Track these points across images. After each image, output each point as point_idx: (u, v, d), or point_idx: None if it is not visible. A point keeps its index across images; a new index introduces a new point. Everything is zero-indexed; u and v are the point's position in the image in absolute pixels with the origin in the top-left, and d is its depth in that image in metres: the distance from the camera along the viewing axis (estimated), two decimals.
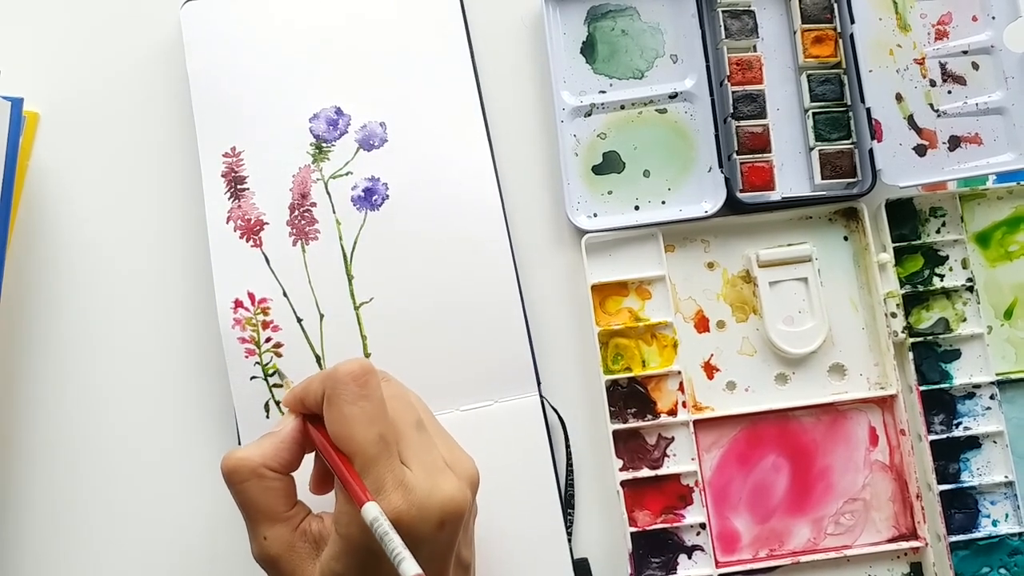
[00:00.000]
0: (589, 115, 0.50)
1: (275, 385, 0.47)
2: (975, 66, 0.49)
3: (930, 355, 0.48)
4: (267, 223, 0.48)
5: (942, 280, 0.49)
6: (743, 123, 0.49)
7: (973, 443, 0.48)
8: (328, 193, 0.49)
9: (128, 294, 0.50)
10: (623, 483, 0.47)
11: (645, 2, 0.50)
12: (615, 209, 0.49)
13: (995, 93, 0.48)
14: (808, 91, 0.49)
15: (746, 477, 0.48)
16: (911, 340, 0.48)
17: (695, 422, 0.48)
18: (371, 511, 0.34)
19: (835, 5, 0.49)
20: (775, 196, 0.49)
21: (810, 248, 0.49)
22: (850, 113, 0.49)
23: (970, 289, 0.49)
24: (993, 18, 0.49)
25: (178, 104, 0.50)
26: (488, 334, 0.47)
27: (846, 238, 0.49)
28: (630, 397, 0.48)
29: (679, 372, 0.48)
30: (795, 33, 0.49)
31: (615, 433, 0.47)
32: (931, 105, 0.48)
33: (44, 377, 0.49)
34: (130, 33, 0.52)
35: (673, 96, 0.50)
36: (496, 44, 0.51)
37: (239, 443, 0.47)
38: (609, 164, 0.50)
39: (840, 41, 0.49)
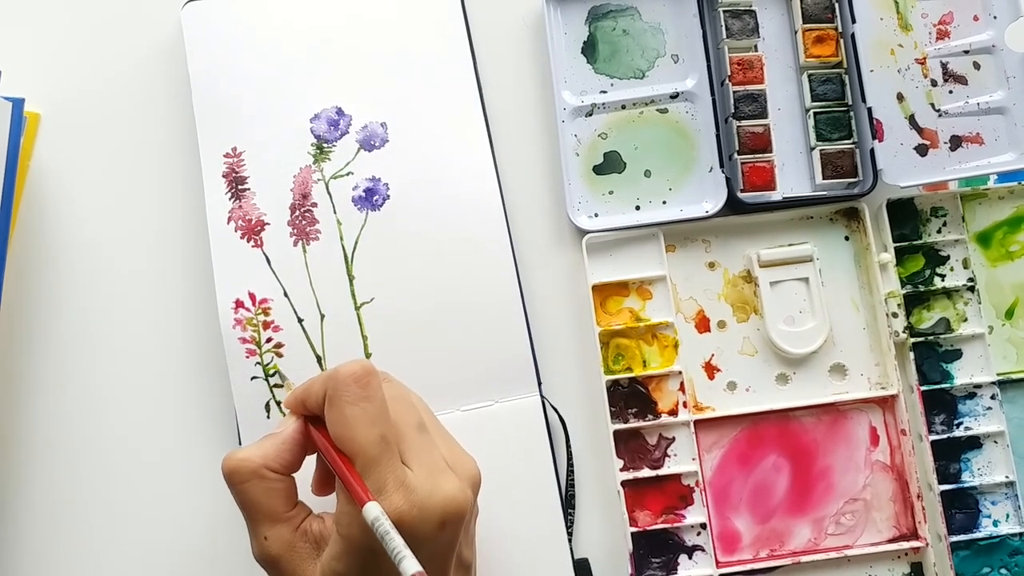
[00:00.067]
0: (590, 115, 0.50)
1: (276, 386, 0.47)
2: (976, 66, 0.49)
3: (931, 355, 0.48)
4: (268, 223, 0.48)
5: (943, 280, 0.49)
6: (744, 123, 0.48)
7: (974, 443, 0.48)
8: (329, 193, 0.49)
9: (128, 294, 0.50)
10: (624, 483, 0.47)
11: (646, 2, 0.50)
12: (616, 209, 0.49)
13: (996, 93, 0.48)
14: (809, 91, 0.49)
15: (747, 477, 0.48)
16: (912, 340, 0.48)
17: (696, 422, 0.48)
18: (372, 511, 0.34)
19: (836, 5, 0.49)
20: (776, 196, 0.49)
21: (811, 248, 0.49)
22: (851, 113, 0.49)
23: (971, 289, 0.49)
24: (994, 18, 0.49)
25: (179, 104, 0.50)
26: (489, 334, 0.47)
27: (847, 238, 0.49)
28: (631, 397, 0.48)
29: (680, 372, 0.48)
30: (796, 33, 0.49)
31: (616, 433, 0.47)
32: (932, 105, 0.48)
33: (44, 377, 0.49)
34: (131, 33, 0.52)
35: (674, 96, 0.50)
36: (497, 44, 0.51)
37: (240, 443, 0.47)
38: (610, 164, 0.49)
39: (841, 41, 0.49)
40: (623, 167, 0.49)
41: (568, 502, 0.47)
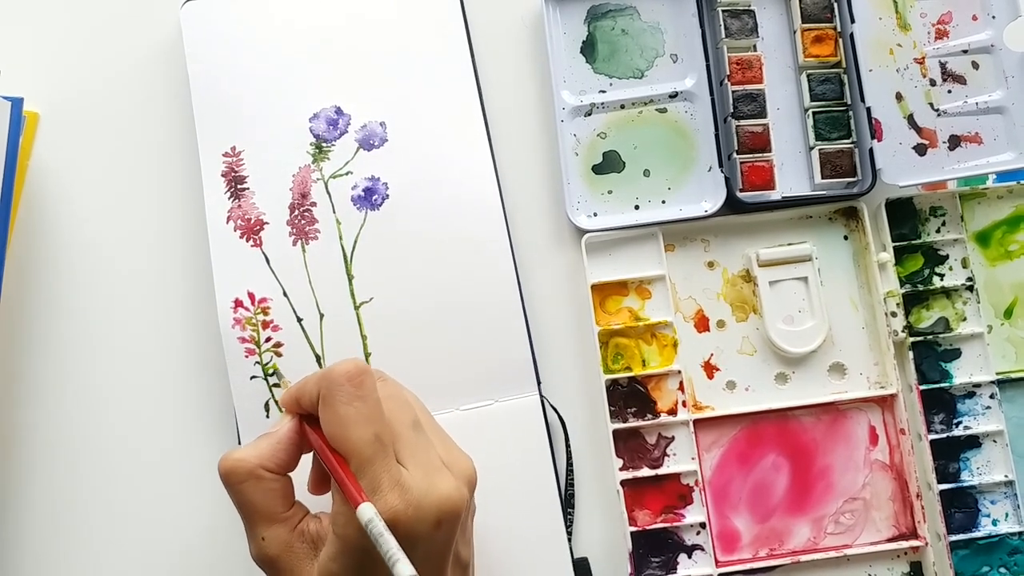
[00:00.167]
0: (589, 115, 0.50)
1: (274, 385, 0.47)
2: (975, 65, 0.49)
3: (930, 354, 0.48)
4: (267, 223, 0.48)
5: (942, 279, 0.49)
6: (743, 122, 0.49)
7: (973, 442, 0.48)
8: (328, 193, 0.49)
9: (128, 294, 0.50)
10: (623, 482, 0.47)
11: (645, 1, 0.50)
12: (615, 208, 0.49)
13: (995, 92, 0.48)
14: (808, 90, 0.49)
15: (746, 476, 0.48)
16: (911, 339, 0.48)
17: (695, 421, 0.48)
18: (366, 512, 0.34)
19: (835, 4, 0.49)
20: (775, 195, 0.49)
21: (810, 247, 0.49)
22: (850, 112, 0.49)
23: (970, 288, 0.49)
24: (993, 17, 0.49)
25: (178, 104, 0.50)
26: (488, 334, 0.47)
27: (846, 237, 0.49)
28: (630, 396, 0.48)
29: (679, 371, 0.48)
30: (795, 32, 0.49)
31: (615, 432, 0.47)
32: (931, 104, 0.49)
33: (44, 377, 0.49)
34: (130, 33, 0.52)
35: (673, 95, 0.50)
36: (496, 44, 0.51)
37: (239, 443, 0.47)
38: (609, 163, 0.50)
39: (840, 40, 0.49)
40: (622, 167, 0.50)
41: (567, 501, 0.47)
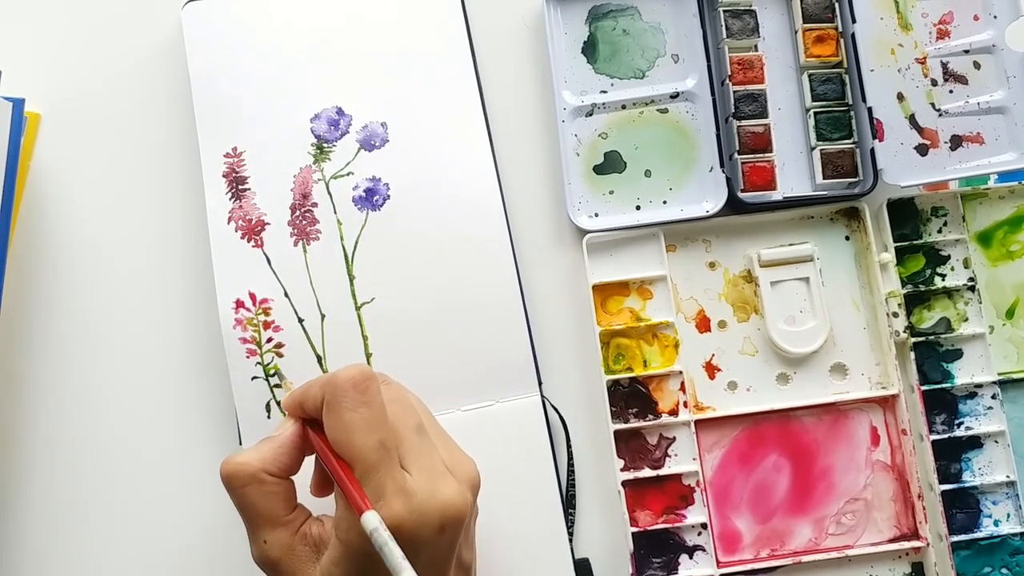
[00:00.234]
0: (590, 115, 0.50)
1: (275, 386, 0.47)
2: (977, 65, 0.49)
3: (932, 355, 0.48)
4: (268, 223, 0.48)
5: (944, 280, 0.49)
6: (744, 123, 0.48)
7: (975, 443, 0.48)
8: (329, 193, 0.49)
9: (128, 294, 0.50)
10: (624, 483, 0.47)
11: (646, 2, 0.50)
12: (616, 209, 0.49)
13: (997, 92, 0.48)
14: (809, 90, 0.49)
15: (747, 477, 0.48)
16: (913, 340, 0.48)
17: (696, 422, 0.48)
18: (371, 520, 0.34)
19: (836, 4, 0.49)
20: (776, 196, 0.49)
21: (811, 248, 0.49)
22: (851, 112, 0.49)
23: (972, 289, 0.49)
24: (995, 17, 0.49)
25: (179, 104, 0.50)
26: (489, 334, 0.47)
27: (847, 238, 0.49)
28: (631, 397, 0.48)
29: (680, 372, 0.48)
30: (796, 32, 0.49)
31: (616, 433, 0.47)
32: (933, 104, 0.48)
33: (44, 377, 0.49)
34: (131, 33, 0.52)
35: (674, 96, 0.50)
36: (497, 44, 0.51)
37: (240, 443, 0.47)
38: (610, 164, 0.49)
39: (841, 40, 0.49)
40: (623, 167, 0.49)
41: (569, 502, 0.47)
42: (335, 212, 0.48)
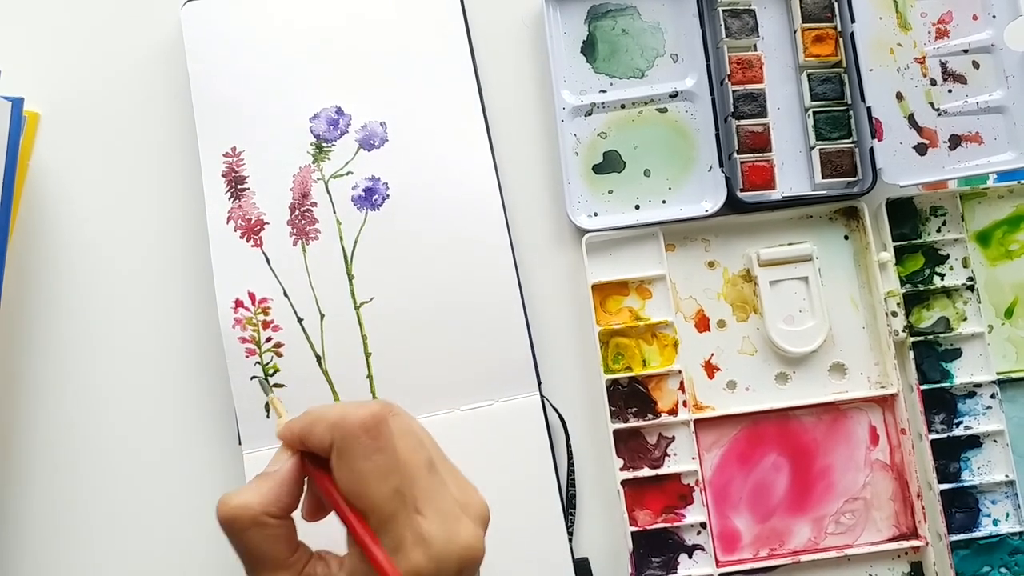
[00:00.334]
0: (589, 114, 0.50)
1: (273, 384, 0.47)
2: (975, 65, 0.49)
3: (931, 354, 0.48)
4: (267, 223, 0.48)
5: (943, 279, 0.49)
6: (743, 122, 0.49)
7: (974, 442, 0.48)
8: (328, 193, 0.49)
9: (128, 294, 0.50)
10: (624, 482, 0.47)
11: (646, 1, 0.50)
12: (616, 208, 0.49)
13: (996, 92, 0.48)
14: (809, 90, 0.49)
15: (747, 476, 0.48)
16: (912, 339, 0.48)
17: (695, 421, 0.48)
18: None
19: (835, 4, 0.49)
20: (776, 195, 0.49)
21: (811, 247, 0.49)
22: (850, 112, 0.49)
23: (971, 288, 0.49)
24: (994, 17, 0.49)
25: (178, 104, 0.50)
26: (489, 334, 0.47)
27: (847, 237, 0.49)
28: (631, 396, 0.48)
29: (680, 371, 0.48)
30: (795, 32, 0.49)
31: (616, 432, 0.47)
32: (931, 104, 0.48)
33: (44, 377, 0.49)
34: (130, 33, 0.52)
35: (674, 95, 0.50)
36: (496, 44, 0.51)
37: (240, 443, 0.47)
38: (610, 163, 0.50)
39: (840, 40, 0.49)
40: (623, 166, 0.49)
41: (569, 501, 0.47)
42: (334, 212, 0.48)
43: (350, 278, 0.48)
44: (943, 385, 0.48)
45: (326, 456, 0.35)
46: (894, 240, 0.49)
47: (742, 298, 0.49)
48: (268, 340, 0.47)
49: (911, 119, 0.48)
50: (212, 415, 0.49)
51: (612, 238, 0.49)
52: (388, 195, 0.48)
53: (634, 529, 0.47)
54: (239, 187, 0.49)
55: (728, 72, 0.49)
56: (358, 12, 0.50)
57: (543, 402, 0.48)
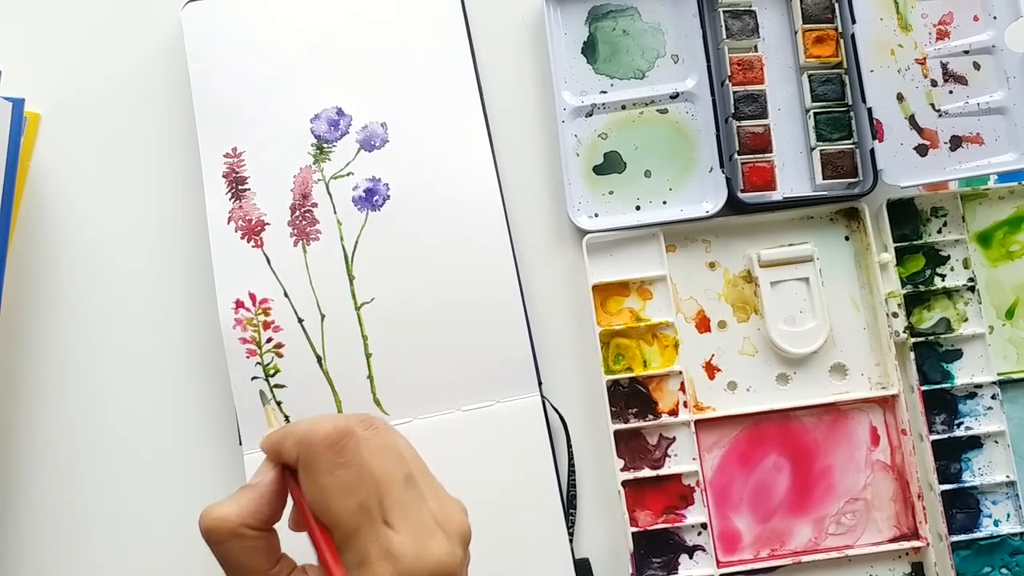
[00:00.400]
0: (590, 115, 0.50)
1: (275, 386, 0.47)
2: (976, 66, 0.49)
3: (931, 355, 0.48)
4: (268, 223, 0.48)
5: (943, 280, 0.49)
6: (744, 123, 0.49)
7: (974, 443, 0.48)
8: (329, 193, 0.49)
9: (128, 294, 0.50)
10: (624, 483, 0.47)
11: (646, 2, 0.50)
12: (616, 209, 0.49)
13: (996, 93, 0.48)
14: (809, 91, 0.49)
15: (747, 477, 0.48)
16: (912, 340, 0.48)
17: (696, 422, 0.48)
18: None
19: (836, 5, 0.49)
20: (776, 196, 0.49)
21: (811, 248, 0.49)
22: (851, 113, 0.49)
23: (971, 289, 0.49)
24: (994, 18, 0.49)
25: (179, 104, 0.50)
26: (489, 334, 0.47)
27: (847, 238, 0.49)
28: (631, 397, 0.48)
29: (680, 372, 0.48)
30: (796, 33, 0.49)
31: (616, 433, 0.47)
32: (932, 105, 0.48)
33: (44, 377, 0.49)
34: (131, 34, 0.52)
35: (674, 96, 0.50)
36: (497, 44, 0.51)
37: (240, 442, 0.47)
38: (610, 164, 0.50)
39: (841, 41, 0.49)
40: (623, 167, 0.49)
41: (569, 502, 0.47)
42: (335, 212, 0.48)
43: (351, 279, 0.48)
44: (944, 386, 0.48)
45: (297, 468, 0.35)
46: (895, 241, 0.49)
47: (743, 299, 0.49)
48: (269, 341, 0.47)
49: (912, 120, 0.48)
50: (212, 415, 0.49)
51: (613, 239, 0.49)
52: (389, 196, 0.48)
53: (635, 529, 0.47)
54: (240, 187, 0.49)
55: (729, 73, 0.49)
56: (358, 12, 0.50)
57: (544, 402, 0.48)
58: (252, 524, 0.36)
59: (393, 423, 0.47)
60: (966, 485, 0.47)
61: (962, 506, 0.47)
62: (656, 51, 0.50)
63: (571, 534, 0.47)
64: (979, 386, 0.48)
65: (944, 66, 0.49)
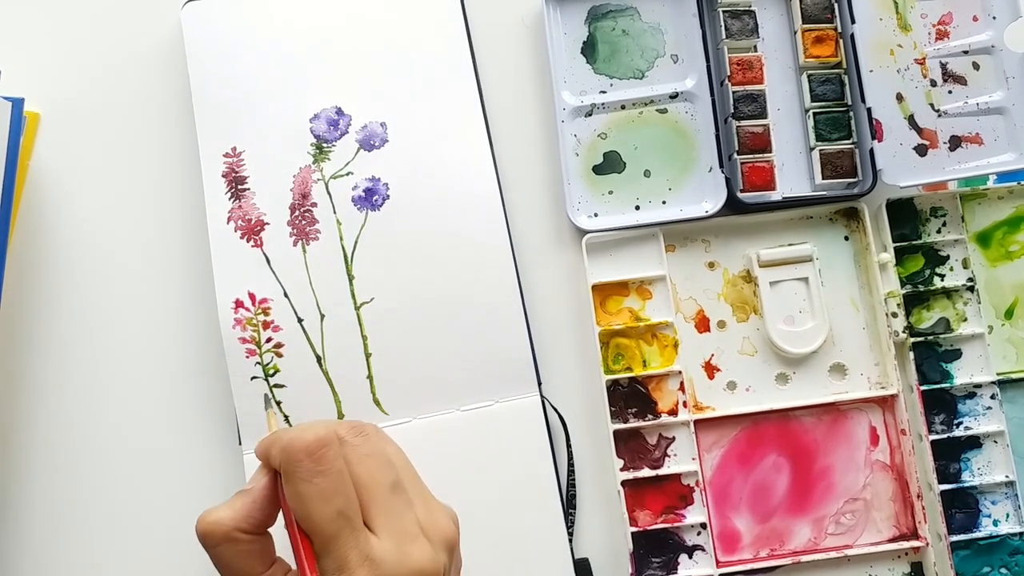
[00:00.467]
0: (590, 115, 0.50)
1: (275, 386, 0.47)
2: (976, 66, 0.49)
3: (931, 355, 0.48)
4: (268, 223, 0.48)
5: (943, 280, 0.49)
6: (744, 123, 0.49)
7: (974, 443, 0.48)
8: (329, 193, 0.49)
9: (128, 294, 0.50)
10: (624, 483, 0.47)
11: (646, 2, 0.50)
12: (616, 209, 0.49)
13: (996, 93, 0.48)
14: (809, 91, 0.49)
15: (747, 477, 0.48)
16: (912, 340, 0.48)
17: (696, 422, 0.48)
18: None
19: (836, 5, 0.49)
20: (776, 196, 0.49)
21: (811, 248, 0.49)
22: (851, 113, 0.49)
23: (971, 289, 0.49)
24: (994, 18, 0.49)
25: (178, 104, 0.50)
26: (489, 334, 0.47)
27: (847, 238, 0.49)
28: (631, 397, 0.48)
29: (680, 372, 0.48)
30: (796, 33, 0.49)
31: (616, 433, 0.47)
32: (932, 105, 0.49)
33: (44, 377, 0.49)
34: (130, 33, 0.52)
35: (674, 96, 0.50)
36: (496, 44, 0.51)
37: (240, 442, 0.47)
38: (610, 164, 0.50)
39: (841, 41, 0.49)
40: (623, 167, 0.50)
41: (569, 502, 0.47)
42: (334, 212, 0.48)
43: (350, 278, 0.48)
44: (943, 386, 0.48)
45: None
46: (894, 241, 0.49)
47: (742, 299, 0.49)
48: (268, 340, 0.47)
49: (911, 120, 0.48)
50: (212, 415, 0.49)
51: (612, 239, 0.49)
52: (388, 195, 0.48)
53: (634, 529, 0.47)
54: (239, 187, 0.49)
55: (728, 73, 0.49)
56: (358, 12, 0.50)
57: (543, 402, 0.48)
58: (245, 528, 0.36)
59: (392, 423, 0.47)
60: (965, 485, 0.47)
61: (961, 506, 0.47)
62: (656, 51, 0.50)
63: (571, 534, 0.47)
64: (978, 386, 0.48)
65: (943, 66, 0.49)
